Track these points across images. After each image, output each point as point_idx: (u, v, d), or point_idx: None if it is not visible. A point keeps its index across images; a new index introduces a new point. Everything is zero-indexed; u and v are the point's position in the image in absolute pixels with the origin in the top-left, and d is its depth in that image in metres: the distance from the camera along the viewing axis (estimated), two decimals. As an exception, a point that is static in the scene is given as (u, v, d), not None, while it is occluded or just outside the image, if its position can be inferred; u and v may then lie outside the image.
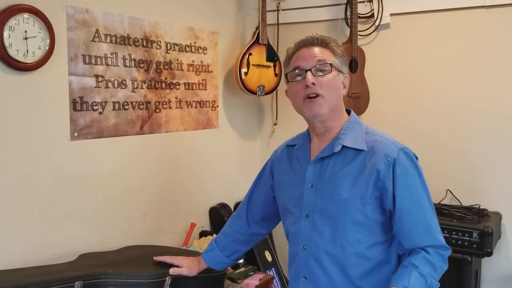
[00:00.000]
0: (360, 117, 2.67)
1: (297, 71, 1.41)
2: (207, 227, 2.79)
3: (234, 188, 2.97)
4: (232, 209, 2.88)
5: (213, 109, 2.78)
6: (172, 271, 1.72)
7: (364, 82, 2.66)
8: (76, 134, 2.03)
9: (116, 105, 2.19)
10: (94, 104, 2.10)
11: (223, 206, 2.82)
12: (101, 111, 2.13)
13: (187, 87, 2.57)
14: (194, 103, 2.63)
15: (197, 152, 2.70)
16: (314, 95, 1.37)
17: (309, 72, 1.38)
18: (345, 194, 1.37)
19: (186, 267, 1.74)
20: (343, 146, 1.41)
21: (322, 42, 1.42)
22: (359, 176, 1.37)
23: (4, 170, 1.81)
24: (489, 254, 2.19)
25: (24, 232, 1.88)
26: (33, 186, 1.90)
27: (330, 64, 1.39)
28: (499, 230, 2.40)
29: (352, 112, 1.51)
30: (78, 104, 2.03)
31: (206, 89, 2.70)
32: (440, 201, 2.54)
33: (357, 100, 2.63)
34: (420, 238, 1.35)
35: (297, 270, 1.47)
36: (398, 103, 2.70)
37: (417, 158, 1.42)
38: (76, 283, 1.60)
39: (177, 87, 2.51)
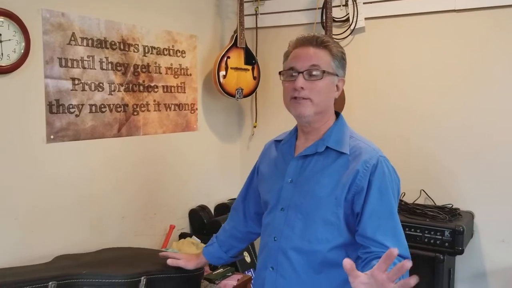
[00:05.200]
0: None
1: (291, 71, 1.43)
2: (186, 229, 2.81)
3: (214, 190, 3.00)
4: (212, 211, 2.90)
5: (192, 111, 2.80)
6: (170, 261, 1.79)
7: (340, 85, 2.70)
8: (52, 137, 2.04)
9: (93, 107, 2.21)
10: (71, 106, 2.11)
11: (203, 208, 2.84)
12: (78, 113, 2.14)
13: (165, 90, 2.59)
14: (172, 105, 2.65)
15: (176, 154, 2.71)
16: (302, 98, 1.40)
17: (301, 75, 1.39)
18: (321, 193, 1.40)
19: (184, 259, 1.80)
20: (327, 147, 1.44)
21: (322, 43, 1.42)
22: (338, 178, 1.40)
23: (-22, 173, 1.82)
24: (461, 252, 2.24)
25: (-1, 234, 1.89)
26: (9, 189, 1.91)
27: (323, 71, 1.40)
28: (472, 229, 2.46)
29: (341, 115, 1.53)
30: (54, 106, 2.04)
31: (185, 92, 2.73)
32: (415, 201, 2.59)
33: (333, 102, 2.67)
34: (389, 245, 1.30)
35: (265, 260, 1.51)
36: (373, 105, 2.75)
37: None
38: (50, 283, 1.61)
39: (155, 90, 2.53)
